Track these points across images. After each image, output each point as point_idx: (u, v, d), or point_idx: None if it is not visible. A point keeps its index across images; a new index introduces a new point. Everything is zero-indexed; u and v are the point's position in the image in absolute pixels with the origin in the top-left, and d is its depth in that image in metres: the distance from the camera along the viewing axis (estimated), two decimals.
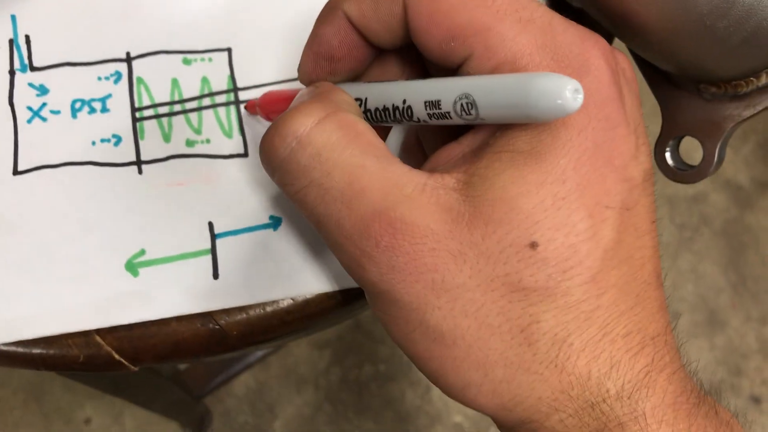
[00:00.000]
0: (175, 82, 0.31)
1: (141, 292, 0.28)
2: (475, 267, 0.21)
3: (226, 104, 0.31)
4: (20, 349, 0.28)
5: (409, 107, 0.23)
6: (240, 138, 0.30)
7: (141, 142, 0.30)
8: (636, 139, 0.22)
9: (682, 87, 0.30)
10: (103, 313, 0.28)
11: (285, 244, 0.29)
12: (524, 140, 0.21)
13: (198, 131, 0.30)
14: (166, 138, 0.30)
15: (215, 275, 0.29)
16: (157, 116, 0.30)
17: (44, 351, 0.28)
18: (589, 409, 0.21)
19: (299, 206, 0.23)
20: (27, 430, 0.93)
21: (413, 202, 0.21)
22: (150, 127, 0.30)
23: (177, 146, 0.30)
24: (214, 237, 0.29)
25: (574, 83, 0.19)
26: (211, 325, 0.29)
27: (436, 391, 0.95)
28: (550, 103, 0.19)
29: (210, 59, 0.31)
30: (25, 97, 0.30)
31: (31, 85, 0.30)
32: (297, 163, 0.23)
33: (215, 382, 0.83)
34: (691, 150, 0.32)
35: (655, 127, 0.31)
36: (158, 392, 0.69)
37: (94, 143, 0.30)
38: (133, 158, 0.30)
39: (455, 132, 0.24)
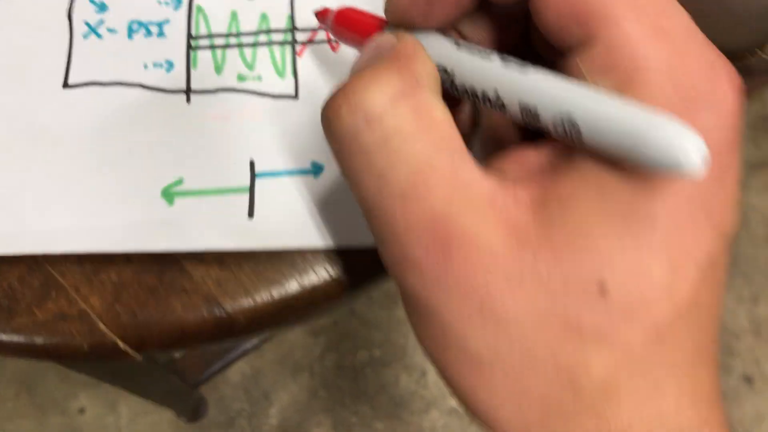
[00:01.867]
0: (234, 15, 0.31)
1: (174, 222, 0.28)
2: (532, 298, 0.19)
3: (282, 43, 0.30)
4: (23, 339, 0.28)
5: (502, 104, 0.20)
6: (292, 79, 0.30)
7: (192, 71, 0.30)
8: (736, 189, 0.20)
9: None
10: (133, 237, 0.28)
11: (324, 193, 0.29)
12: (617, 170, 0.19)
13: (251, 67, 0.30)
14: (218, 70, 0.30)
15: (251, 214, 0.28)
16: (212, 47, 0.30)
17: (47, 341, 0.28)
18: None
19: (351, 188, 0.21)
20: (20, 421, 0.92)
21: (479, 214, 0.19)
22: (203, 57, 0.30)
23: (228, 79, 0.30)
24: (254, 175, 0.29)
25: (700, 144, 0.17)
26: (217, 312, 0.29)
27: (431, 376, 0.95)
28: (669, 162, 0.17)
29: None
30: (84, 12, 0.30)
31: (91, 1, 0.30)
32: (361, 145, 0.20)
33: (211, 370, 0.83)
34: None
35: None
36: (155, 381, 0.69)
37: (146, 66, 0.30)
38: (183, 86, 0.30)
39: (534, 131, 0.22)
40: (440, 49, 0.22)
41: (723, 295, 0.21)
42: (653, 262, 0.19)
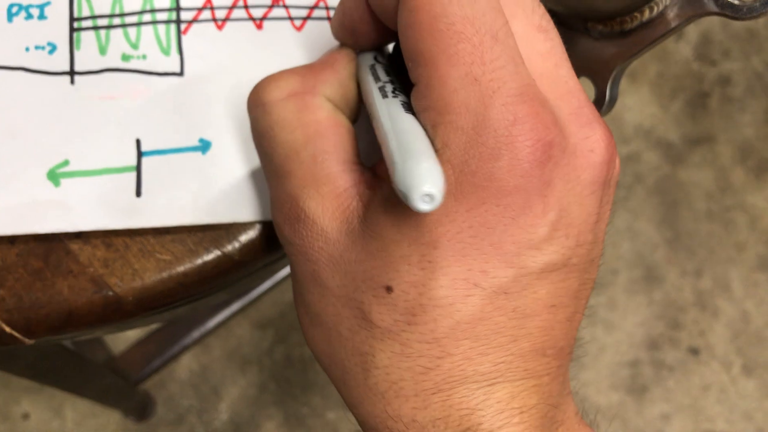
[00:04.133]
0: None
1: (61, 202, 0.28)
2: (343, 281, 0.23)
3: (167, 22, 0.30)
4: None
5: (368, 113, 0.24)
6: (177, 56, 0.30)
7: (76, 53, 0.29)
8: (550, 231, 0.22)
9: (572, 27, 0.30)
10: (20, 220, 0.28)
11: (212, 169, 0.29)
12: None
13: (135, 46, 0.30)
14: (102, 50, 0.30)
15: (138, 193, 0.28)
16: (95, 28, 0.30)
17: None
18: None
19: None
20: None
21: (322, 202, 0.23)
22: (87, 38, 0.30)
23: (112, 59, 0.30)
24: (140, 154, 0.29)
25: (429, 187, 0.19)
26: (104, 292, 0.28)
27: None
28: (403, 190, 0.19)
29: None
30: None
31: None
32: (256, 126, 0.25)
33: (152, 367, 0.82)
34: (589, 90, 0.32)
35: None
36: (89, 378, 0.68)
37: (27, 49, 0.29)
38: (67, 68, 0.29)
39: None
40: (361, 65, 0.26)
41: (537, 322, 0.23)
42: (433, 281, 0.21)
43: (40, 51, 0.29)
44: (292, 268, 0.25)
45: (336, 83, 0.25)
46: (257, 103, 0.25)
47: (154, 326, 0.89)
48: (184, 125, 0.29)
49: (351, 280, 0.23)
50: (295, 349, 0.97)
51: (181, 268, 0.29)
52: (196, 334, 0.84)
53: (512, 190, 0.21)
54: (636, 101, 1.10)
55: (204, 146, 0.29)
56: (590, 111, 0.23)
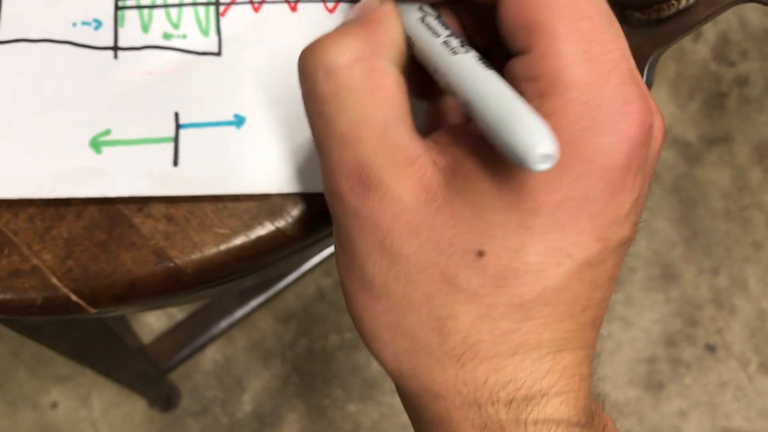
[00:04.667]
0: None
1: (102, 169, 0.30)
2: (424, 247, 0.22)
3: (207, 4, 0.32)
4: None
5: (435, 71, 0.24)
6: (216, 38, 0.31)
7: (120, 29, 0.31)
8: (630, 209, 0.23)
9: None
10: (63, 184, 0.29)
11: (245, 143, 0.30)
12: None
13: (176, 26, 0.31)
14: (145, 28, 0.31)
15: (175, 162, 0.30)
16: (139, 7, 0.32)
17: (2, 295, 0.29)
18: (476, 407, 0.23)
19: (309, 123, 0.25)
20: None
21: (398, 170, 0.23)
22: (131, 16, 0.31)
23: (154, 37, 0.31)
24: (178, 126, 0.30)
25: (549, 147, 0.19)
26: (165, 263, 0.30)
27: None
28: (518, 150, 0.20)
29: None
30: None
31: None
32: (318, 90, 0.24)
33: (181, 356, 0.84)
34: None
35: None
36: (124, 362, 0.69)
37: (74, 24, 0.31)
38: (111, 44, 0.31)
39: None
40: (409, 16, 0.25)
41: (605, 297, 0.24)
42: (530, 247, 0.22)
43: (86, 27, 0.31)
44: (348, 241, 0.24)
45: (394, 44, 0.24)
46: (317, 67, 0.24)
47: (181, 316, 0.91)
48: (220, 101, 0.31)
49: (434, 246, 0.22)
50: (318, 341, 0.98)
51: (238, 242, 0.30)
52: (223, 323, 0.85)
53: (618, 166, 0.22)
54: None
55: (238, 121, 0.31)
56: (653, 100, 0.24)
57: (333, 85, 0.23)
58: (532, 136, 0.19)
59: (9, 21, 0.31)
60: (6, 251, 0.29)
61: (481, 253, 0.22)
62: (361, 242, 0.23)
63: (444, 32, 0.24)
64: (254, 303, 0.86)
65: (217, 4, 0.32)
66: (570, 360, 0.23)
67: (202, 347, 0.87)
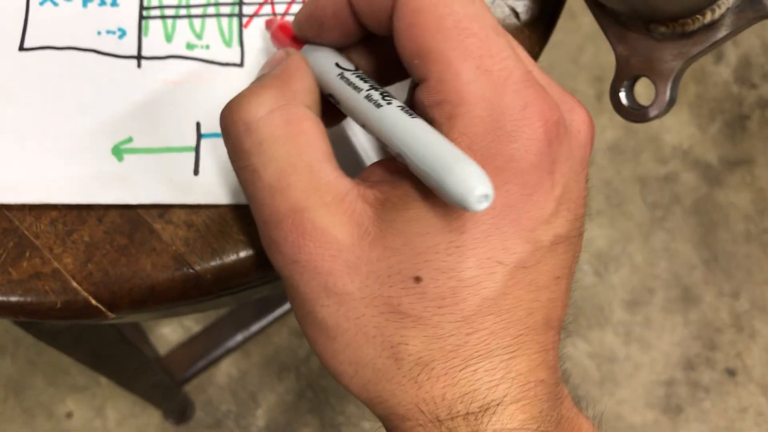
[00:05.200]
0: None
1: (123, 176, 0.30)
2: (364, 282, 0.23)
3: (230, 15, 0.32)
4: None
5: (364, 125, 0.25)
6: (238, 48, 0.32)
7: (144, 39, 0.32)
8: (556, 206, 0.24)
9: (634, 28, 0.31)
10: (84, 190, 0.29)
11: None
12: None
13: (199, 36, 0.32)
14: (168, 38, 0.32)
15: (196, 171, 0.30)
16: (163, 17, 0.32)
17: (22, 298, 0.29)
18: (437, 423, 0.23)
19: (238, 179, 0.25)
20: (8, 426, 0.93)
21: (329, 209, 0.23)
22: (154, 26, 0.32)
23: (177, 47, 0.32)
24: (199, 136, 0.31)
25: (485, 188, 0.21)
26: (185, 269, 0.30)
27: None
28: (457, 195, 0.21)
29: None
30: None
31: None
32: (242, 145, 0.24)
33: (196, 368, 0.84)
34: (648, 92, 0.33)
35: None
36: (140, 371, 0.69)
37: (99, 33, 0.31)
38: (135, 53, 0.31)
39: None
40: (327, 73, 0.26)
41: (556, 298, 0.24)
42: (462, 264, 0.23)
43: (110, 35, 0.32)
44: (294, 290, 0.24)
45: (307, 91, 0.25)
46: (238, 122, 0.25)
47: (197, 329, 0.91)
48: None
49: (374, 279, 0.23)
50: None
51: (257, 249, 0.30)
52: (239, 337, 0.86)
53: (529, 168, 0.23)
54: (675, 122, 1.10)
55: None
56: (571, 96, 0.25)
57: (255, 137, 0.24)
58: (468, 181, 0.21)
59: (36, 28, 0.31)
60: (27, 254, 0.29)
61: (418, 279, 0.23)
62: (307, 288, 0.24)
63: (364, 86, 0.25)
64: (270, 317, 0.86)
65: (240, 16, 0.32)
66: (524, 366, 0.23)
67: (217, 360, 0.87)
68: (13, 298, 0.29)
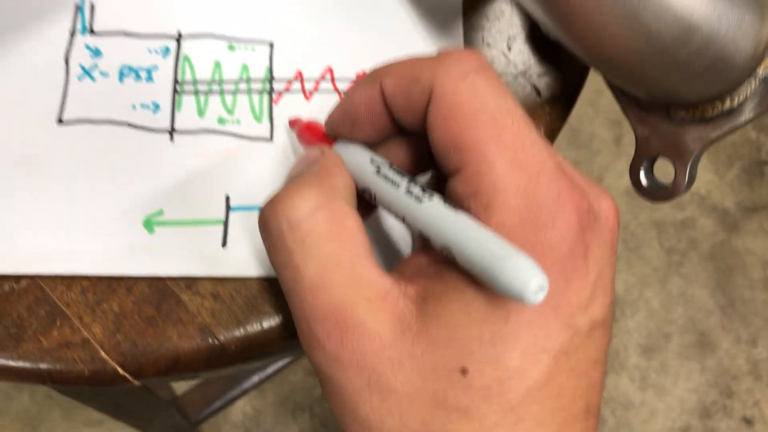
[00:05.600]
0: (217, 64, 0.33)
1: (153, 248, 0.31)
2: (409, 377, 0.23)
3: (261, 92, 0.33)
4: (28, 365, 0.30)
5: (404, 219, 0.25)
6: (268, 124, 0.33)
7: (177, 113, 0.33)
8: (592, 291, 0.24)
9: (654, 111, 0.32)
10: (115, 262, 0.30)
11: None
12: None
13: (231, 111, 0.33)
14: (201, 113, 0.33)
15: (224, 244, 0.31)
16: (196, 92, 0.33)
17: (51, 366, 0.30)
18: None
19: (277, 275, 0.26)
20: None
21: (371, 306, 0.24)
22: (188, 101, 0.33)
23: (209, 122, 0.33)
24: (228, 209, 0.31)
25: (540, 279, 0.21)
26: (210, 340, 0.30)
27: None
28: (513, 289, 0.21)
29: (253, 49, 0.34)
30: (80, 57, 0.33)
31: (87, 46, 0.33)
32: (284, 242, 0.25)
33: (212, 408, 0.84)
34: (669, 169, 0.34)
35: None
36: (156, 414, 0.70)
37: (134, 107, 0.32)
38: (168, 126, 0.32)
39: None
40: (363, 169, 0.27)
41: (594, 384, 0.25)
42: (506, 352, 0.23)
43: (145, 110, 0.33)
44: (336, 387, 0.24)
45: (346, 187, 0.26)
46: (280, 220, 0.25)
47: None
48: (270, 185, 0.32)
49: (419, 374, 0.23)
50: None
51: (280, 320, 0.31)
52: (255, 378, 0.86)
53: (566, 254, 0.23)
54: None
55: None
56: (596, 185, 0.26)
57: (298, 234, 0.24)
58: (524, 273, 0.21)
59: (74, 102, 0.32)
60: (58, 323, 0.30)
61: (464, 371, 0.23)
62: (349, 385, 0.24)
63: (402, 181, 0.25)
64: (287, 359, 0.87)
65: (270, 92, 0.33)
66: None
67: (233, 401, 0.87)
68: (43, 366, 0.30)
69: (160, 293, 0.31)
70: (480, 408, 0.23)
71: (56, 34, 0.33)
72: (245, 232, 0.31)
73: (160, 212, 0.31)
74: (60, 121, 0.32)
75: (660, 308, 1.05)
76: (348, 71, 0.34)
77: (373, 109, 0.26)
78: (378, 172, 0.26)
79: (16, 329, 0.30)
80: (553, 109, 0.35)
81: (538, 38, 0.35)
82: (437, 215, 0.24)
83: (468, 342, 0.23)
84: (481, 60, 0.25)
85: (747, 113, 0.30)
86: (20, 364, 0.30)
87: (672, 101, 0.30)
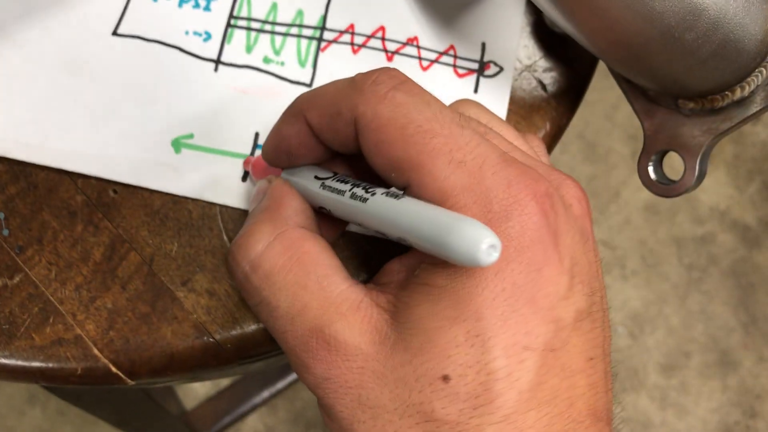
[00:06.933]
0: (274, 5, 0.34)
1: (176, 168, 0.31)
2: (394, 391, 0.22)
3: (310, 38, 0.34)
4: (20, 362, 0.29)
5: (360, 224, 0.25)
6: (311, 70, 0.34)
7: (226, 45, 0.33)
8: (569, 279, 0.23)
9: (662, 103, 0.31)
10: (137, 172, 0.31)
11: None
12: (442, 276, 0.23)
13: (277, 53, 0.34)
14: (249, 49, 0.34)
15: (244, 178, 0.32)
16: (248, 29, 0.34)
17: (43, 364, 0.29)
18: None
19: (257, 316, 0.26)
20: None
21: (347, 320, 0.24)
22: (239, 35, 0.34)
23: (255, 59, 0.33)
24: (255, 146, 0.32)
25: (491, 238, 0.20)
26: (205, 338, 0.30)
27: None
28: (465, 253, 0.20)
29: None
30: None
31: None
32: (251, 284, 0.25)
33: (222, 424, 0.83)
34: (678, 164, 0.33)
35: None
36: (166, 430, 0.69)
37: (187, 33, 0.33)
38: (215, 57, 0.33)
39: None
40: (310, 188, 0.27)
41: (594, 383, 0.23)
42: (486, 353, 0.22)
43: (197, 37, 0.33)
44: (329, 409, 0.24)
45: (297, 212, 0.26)
46: (242, 262, 0.25)
47: (225, 383, 0.91)
48: None
49: (403, 386, 0.22)
50: None
51: None
52: (265, 393, 0.85)
53: (530, 243, 0.22)
54: (712, 182, 1.09)
55: None
56: (559, 172, 0.25)
57: (261, 272, 0.25)
58: (472, 235, 0.20)
59: (132, 16, 0.33)
60: (51, 320, 0.29)
61: (446, 378, 0.22)
62: (340, 406, 0.23)
63: (346, 187, 0.25)
64: (296, 375, 0.86)
65: (319, 40, 0.34)
66: None
67: (242, 416, 0.87)
68: (35, 364, 0.29)
69: (156, 290, 0.30)
70: (471, 419, 0.22)
71: None
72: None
73: (190, 135, 0.32)
74: (115, 33, 0.33)
75: (680, 326, 1.03)
76: (399, 34, 0.34)
77: (305, 142, 0.26)
78: (323, 186, 0.26)
79: (8, 326, 0.29)
80: (559, 104, 0.34)
81: (543, 32, 0.34)
82: (382, 208, 0.23)
83: (444, 346, 0.22)
84: (398, 76, 0.24)
85: (758, 103, 0.29)
86: (12, 361, 0.29)
87: (680, 91, 0.30)
